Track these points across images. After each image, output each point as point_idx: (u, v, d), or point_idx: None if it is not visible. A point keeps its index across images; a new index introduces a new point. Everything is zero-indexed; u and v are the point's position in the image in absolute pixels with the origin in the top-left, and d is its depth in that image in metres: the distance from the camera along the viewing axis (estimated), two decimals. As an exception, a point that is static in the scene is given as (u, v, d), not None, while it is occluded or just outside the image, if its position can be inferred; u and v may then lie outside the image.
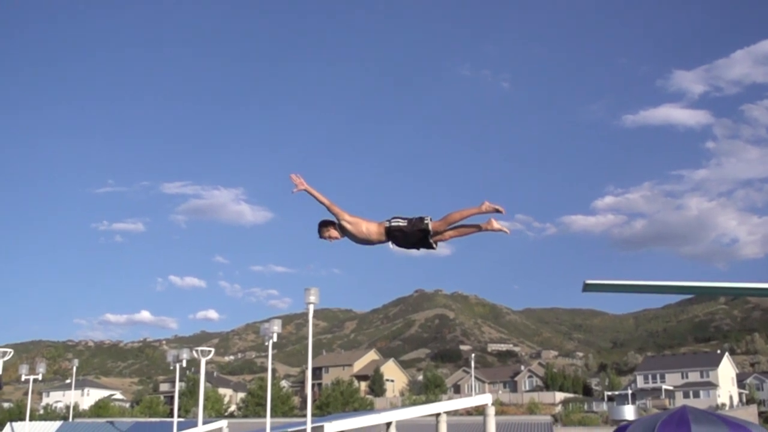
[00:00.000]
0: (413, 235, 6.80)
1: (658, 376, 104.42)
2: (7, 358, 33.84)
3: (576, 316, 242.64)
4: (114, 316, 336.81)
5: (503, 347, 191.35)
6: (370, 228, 6.91)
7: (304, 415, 41.52)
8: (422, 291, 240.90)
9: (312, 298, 31.23)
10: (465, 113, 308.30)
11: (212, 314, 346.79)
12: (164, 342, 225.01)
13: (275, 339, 36.16)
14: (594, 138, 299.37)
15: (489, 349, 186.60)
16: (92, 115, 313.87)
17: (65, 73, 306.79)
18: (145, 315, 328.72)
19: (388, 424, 40.40)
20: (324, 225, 7.01)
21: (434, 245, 6.91)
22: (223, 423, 49.83)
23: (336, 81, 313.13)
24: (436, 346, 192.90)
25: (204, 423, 42.09)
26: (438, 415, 36.91)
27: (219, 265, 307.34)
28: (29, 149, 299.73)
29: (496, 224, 6.93)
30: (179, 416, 47.67)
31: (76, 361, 68.37)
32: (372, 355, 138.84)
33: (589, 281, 14.73)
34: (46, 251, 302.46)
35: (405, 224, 6.79)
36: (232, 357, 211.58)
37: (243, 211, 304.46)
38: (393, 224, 6.84)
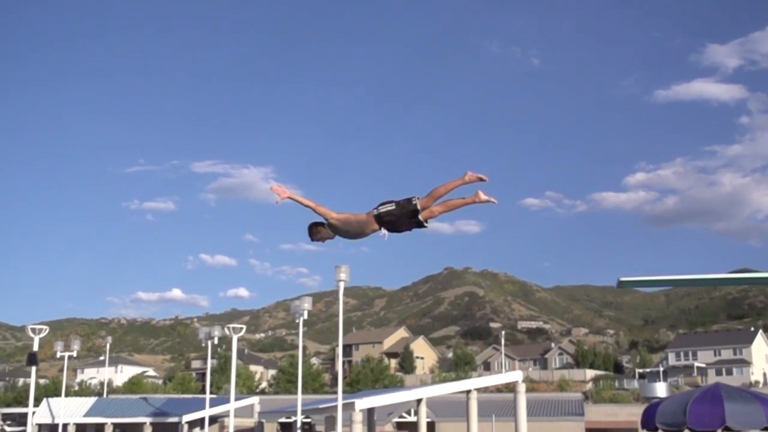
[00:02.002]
0: (404, 217, 6.67)
1: (690, 354, 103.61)
2: (42, 335, 34.33)
3: (607, 294, 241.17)
4: (146, 294, 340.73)
5: (533, 325, 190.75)
6: (359, 221, 6.79)
7: (335, 392, 41.67)
8: (451, 268, 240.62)
9: (342, 276, 31.27)
10: (494, 90, 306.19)
11: (242, 292, 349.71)
12: (195, 320, 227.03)
13: (306, 316, 36.30)
14: (625, 114, 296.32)
15: (519, 327, 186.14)
16: (122, 94, 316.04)
17: (95, 51, 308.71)
18: (176, 293, 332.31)
19: (419, 401, 40.48)
20: (314, 227, 6.88)
21: (425, 223, 6.77)
22: (254, 399, 50.31)
23: (364, 59, 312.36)
24: (466, 323, 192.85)
25: (236, 399, 42.42)
26: (468, 392, 36.89)
27: (249, 243, 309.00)
28: (60, 129, 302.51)
29: (483, 196, 6.77)
30: (211, 393, 48.10)
31: (109, 339, 69.31)
32: (402, 333, 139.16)
33: (623, 278, 14.49)
34: (78, 231, 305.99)
35: (394, 208, 6.65)
36: (262, 334, 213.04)
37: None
38: (382, 210, 6.70)
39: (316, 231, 6.85)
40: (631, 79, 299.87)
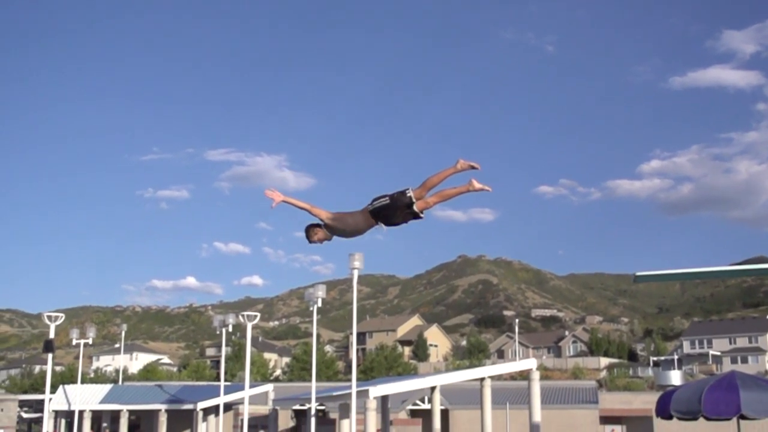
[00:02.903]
0: (399, 210, 6.63)
1: (705, 342, 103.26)
2: (58, 322, 34.49)
3: (621, 282, 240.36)
4: (160, 282, 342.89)
5: (547, 312, 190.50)
6: (355, 218, 6.75)
7: (349, 380, 41.75)
8: (465, 256, 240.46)
9: (357, 263, 31.26)
10: (508, 77, 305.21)
11: (256, 280, 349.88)
12: (210, 307, 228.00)
13: (320, 304, 36.34)
14: (640, 101, 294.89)
15: (533, 315, 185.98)
16: (137, 83, 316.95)
17: (110, 39, 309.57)
18: (190, 281, 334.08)
19: (433, 389, 40.52)
20: (311, 229, 6.83)
21: (421, 214, 6.73)
22: (269, 387, 50.47)
23: (378, 47, 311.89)
24: (480, 311, 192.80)
25: (250, 387, 42.58)
26: (482, 379, 36.88)
27: (263, 231, 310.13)
28: (75, 117, 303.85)
29: (477, 184, 6.70)
30: (225, 380, 48.32)
31: (124, 326, 69.68)
32: (415, 321, 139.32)
33: (639, 273, 14.42)
34: (93, 219, 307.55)
35: (388, 202, 6.62)
36: (276, 322, 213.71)
37: (286, 178, 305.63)
38: (377, 205, 6.66)
39: (314, 233, 6.81)
40: (646, 65, 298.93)
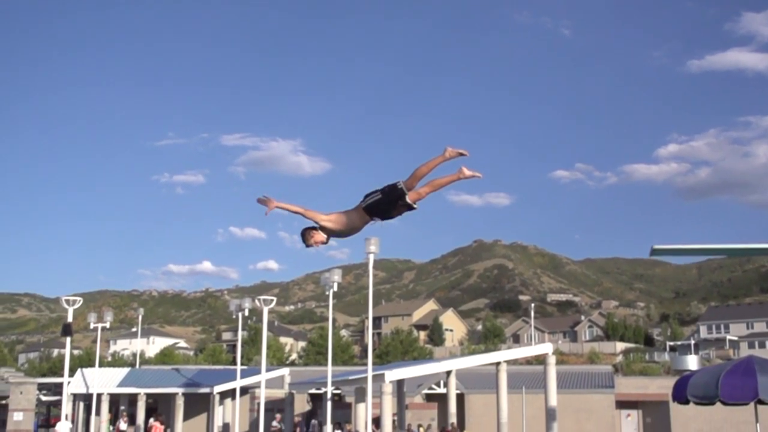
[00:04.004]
0: (392, 203, 6.60)
1: (722, 326, 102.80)
2: (76, 306, 34.75)
3: (637, 266, 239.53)
4: (177, 267, 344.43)
5: (563, 297, 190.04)
6: (350, 217, 6.73)
7: (364, 364, 41.85)
8: (481, 241, 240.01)
9: (372, 248, 31.31)
10: (524, 61, 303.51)
11: (272, 264, 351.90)
12: (226, 292, 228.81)
13: (335, 288, 36.43)
14: (657, 85, 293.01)
15: (548, 300, 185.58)
16: (151, 67, 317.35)
17: (124, 24, 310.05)
18: (206, 265, 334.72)
19: (449, 373, 40.59)
20: (307, 232, 6.80)
21: (414, 205, 6.69)
22: (285, 371, 50.69)
23: (393, 31, 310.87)
24: (495, 296, 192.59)
25: (267, 370, 42.76)
26: (498, 364, 36.90)
27: (278, 216, 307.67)
28: (90, 102, 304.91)
29: (467, 171, 6.63)
30: (242, 364, 48.55)
31: (141, 310, 69.98)
32: (431, 305, 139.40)
33: (656, 246, 14.17)
34: (109, 204, 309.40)
35: (380, 197, 6.59)
36: (292, 307, 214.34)
37: (301, 162, 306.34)
38: (370, 202, 6.64)
39: (310, 236, 6.77)
40: (663, 49, 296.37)
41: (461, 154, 6.55)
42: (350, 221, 6.72)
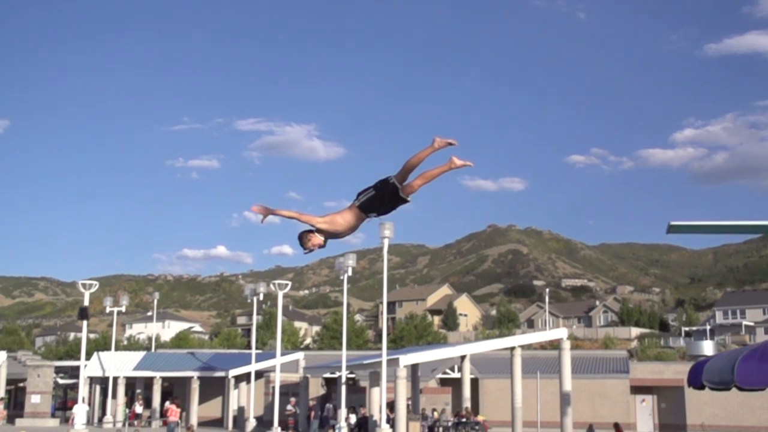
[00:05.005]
0: (386, 199, 6.55)
1: (738, 312, 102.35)
2: (93, 290, 34.93)
3: (653, 252, 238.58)
4: (191, 251, 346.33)
5: (577, 282, 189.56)
6: (345, 217, 6.68)
7: (378, 349, 41.94)
8: (495, 226, 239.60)
9: (387, 233, 31.30)
10: (539, 45, 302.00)
11: (286, 249, 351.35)
12: (240, 276, 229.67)
13: (350, 273, 36.43)
14: (674, 69, 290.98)
15: (563, 285, 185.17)
16: (166, 53, 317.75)
17: (140, 10, 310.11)
18: (221, 250, 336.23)
19: (463, 358, 40.62)
20: (304, 236, 6.76)
21: (408, 199, 6.65)
22: (299, 355, 50.86)
23: (408, 16, 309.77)
24: (509, 281, 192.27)
25: (281, 355, 42.91)
26: (512, 348, 36.87)
27: (292, 201, 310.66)
28: (105, 87, 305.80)
29: (458, 161, 6.56)
30: (256, 348, 48.74)
31: (156, 295, 70.26)
32: (445, 290, 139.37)
33: (673, 222, 14.01)
34: (124, 189, 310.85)
35: (374, 193, 6.55)
36: (306, 291, 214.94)
37: (316, 147, 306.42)
38: (363, 200, 6.60)
39: (307, 239, 6.74)
40: (681, 32, 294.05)
41: (450, 144, 6.49)
42: (345, 221, 6.69)
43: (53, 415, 52.35)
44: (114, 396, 49.70)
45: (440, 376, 49.28)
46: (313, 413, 37.83)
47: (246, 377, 46.49)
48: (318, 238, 6.68)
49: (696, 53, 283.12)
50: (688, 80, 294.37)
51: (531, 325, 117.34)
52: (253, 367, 44.57)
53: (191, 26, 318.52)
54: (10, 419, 45.68)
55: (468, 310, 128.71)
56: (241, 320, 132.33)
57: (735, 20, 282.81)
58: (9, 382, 53.20)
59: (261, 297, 45.14)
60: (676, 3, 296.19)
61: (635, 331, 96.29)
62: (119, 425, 45.84)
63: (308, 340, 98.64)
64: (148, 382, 51.17)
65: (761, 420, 44.06)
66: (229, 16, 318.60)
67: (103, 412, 51.15)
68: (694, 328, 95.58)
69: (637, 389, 48.46)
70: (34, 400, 49.49)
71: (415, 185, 6.54)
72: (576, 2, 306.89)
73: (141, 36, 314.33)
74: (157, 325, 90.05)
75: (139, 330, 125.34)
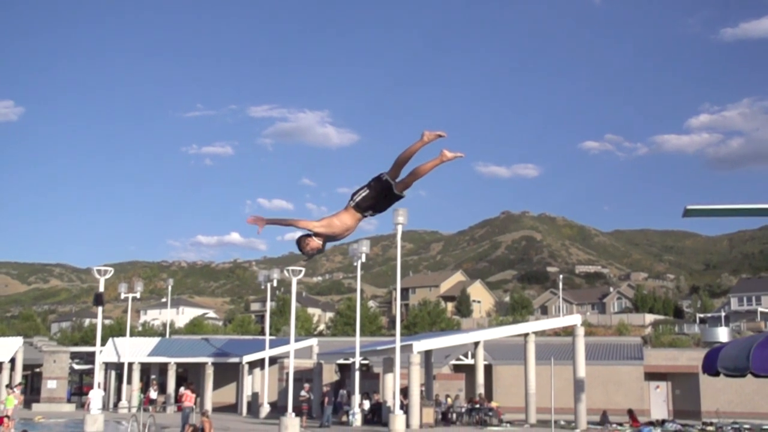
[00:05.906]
0: (381, 196, 6.51)
1: (753, 299, 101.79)
2: (107, 276, 35.02)
3: (667, 238, 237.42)
4: (205, 238, 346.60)
5: (591, 269, 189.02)
6: (342, 219, 6.65)
7: (392, 335, 42.08)
8: (509, 213, 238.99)
9: (400, 219, 31.29)
10: (554, 30, 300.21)
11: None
12: (254, 263, 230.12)
13: (363, 259, 36.45)
14: (689, 54, 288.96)
15: (577, 271, 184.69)
16: (180, 39, 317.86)
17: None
18: (235, 236, 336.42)
19: (477, 344, 40.64)
20: (303, 240, 6.73)
21: (402, 194, 6.61)
22: (313, 341, 50.97)
23: (419, 2, 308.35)
24: (523, 267, 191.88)
25: (295, 341, 43.03)
26: (526, 335, 36.88)
27: (306, 188, 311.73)
28: (120, 73, 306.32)
29: (449, 154, 6.51)
30: (270, 334, 48.90)
31: (170, 281, 70.54)
32: (459, 277, 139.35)
33: (690, 206, 13.96)
34: (139, 175, 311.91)
35: (368, 192, 6.51)
36: (319, 278, 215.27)
37: (329, 134, 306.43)
38: (358, 199, 6.56)
39: (306, 243, 6.71)
40: (696, 17, 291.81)
41: (440, 136, 6.45)
42: (342, 223, 6.67)
43: (69, 400, 52.82)
44: (129, 381, 50.02)
45: (454, 362, 49.31)
46: (327, 399, 37.92)
47: (260, 363, 46.67)
48: (316, 242, 6.65)
49: (712, 38, 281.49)
50: (703, 65, 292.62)
51: (544, 311, 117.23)
52: (267, 353, 44.73)
53: (204, 13, 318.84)
54: (27, 404, 46.03)
55: (481, 297, 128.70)
56: (255, 306, 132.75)
57: (751, 4, 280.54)
58: (25, 367, 53.65)
59: (275, 283, 45.25)
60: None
61: (649, 318, 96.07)
62: (134, 410, 46.11)
63: (321, 327, 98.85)
64: (163, 368, 51.48)
65: (776, 407, 43.94)
66: (242, 2, 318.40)
67: (119, 398, 51.50)
68: (709, 315, 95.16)
69: (652, 376, 48.33)
70: (50, 385, 49.89)
71: (408, 181, 6.50)
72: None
73: (155, 23, 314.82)
74: (171, 312, 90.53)
75: (154, 316, 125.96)
